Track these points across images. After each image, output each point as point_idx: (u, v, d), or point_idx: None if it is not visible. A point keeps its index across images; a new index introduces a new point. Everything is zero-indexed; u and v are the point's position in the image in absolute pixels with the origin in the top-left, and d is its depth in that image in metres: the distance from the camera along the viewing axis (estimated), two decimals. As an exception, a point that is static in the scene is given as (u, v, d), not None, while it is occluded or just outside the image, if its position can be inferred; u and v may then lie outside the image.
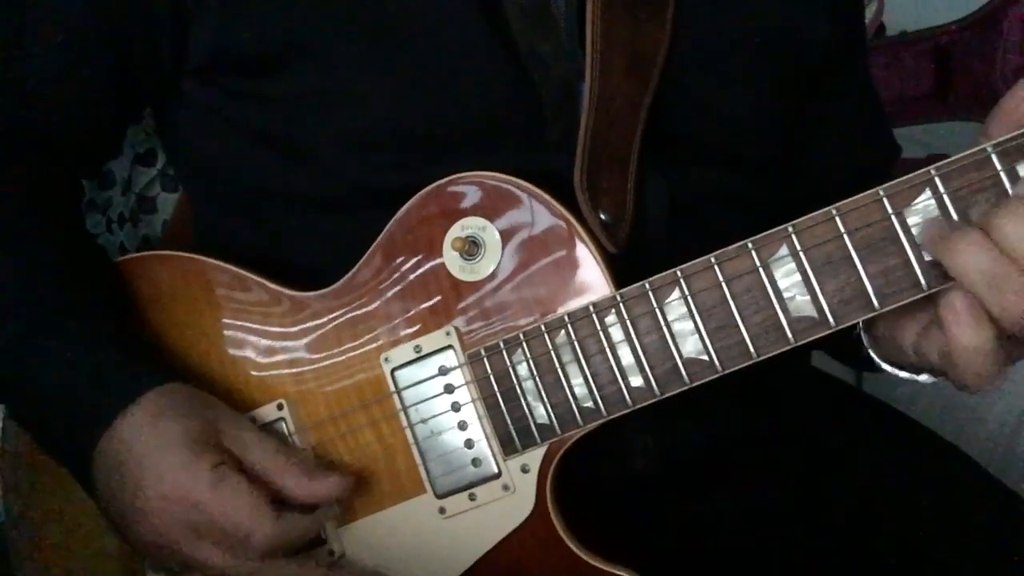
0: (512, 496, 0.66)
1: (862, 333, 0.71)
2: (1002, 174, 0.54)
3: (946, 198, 0.55)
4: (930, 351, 0.60)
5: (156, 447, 0.64)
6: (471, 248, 0.67)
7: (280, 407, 0.72)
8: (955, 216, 0.55)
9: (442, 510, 0.68)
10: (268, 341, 0.73)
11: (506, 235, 0.66)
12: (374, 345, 0.70)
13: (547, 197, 0.66)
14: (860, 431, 0.86)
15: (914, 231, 0.56)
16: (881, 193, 0.57)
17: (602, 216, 0.67)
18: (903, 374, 0.71)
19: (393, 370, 0.69)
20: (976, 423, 1.55)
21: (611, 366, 0.63)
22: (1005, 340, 0.55)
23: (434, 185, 0.68)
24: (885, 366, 0.71)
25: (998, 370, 0.56)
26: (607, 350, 0.63)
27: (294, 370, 0.72)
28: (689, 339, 0.61)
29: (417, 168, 0.69)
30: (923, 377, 0.71)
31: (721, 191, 0.77)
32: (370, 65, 0.69)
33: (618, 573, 0.65)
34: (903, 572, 0.74)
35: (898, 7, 1.74)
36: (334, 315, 0.71)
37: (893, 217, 0.57)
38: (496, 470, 0.67)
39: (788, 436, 0.83)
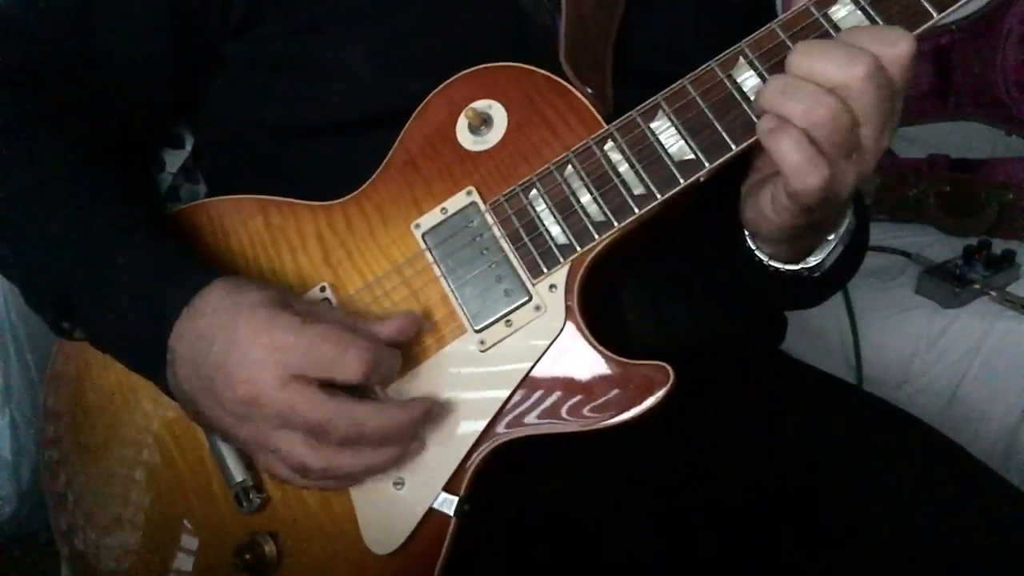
0: (544, 315, 0.74)
1: (749, 240, 0.83)
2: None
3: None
4: (777, 193, 0.71)
5: (240, 309, 0.69)
6: (481, 124, 0.78)
7: (323, 289, 0.79)
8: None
9: (482, 343, 0.75)
10: (308, 245, 0.82)
11: (510, 107, 0.78)
12: (404, 218, 0.79)
13: (542, 71, 0.78)
14: (860, 431, 0.88)
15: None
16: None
17: (588, 89, 0.80)
18: (789, 267, 0.83)
19: (424, 234, 0.78)
20: (976, 423, 1.55)
21: (614, 182, 0.73)
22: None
23: (443, 85, 0.80)
24: (774, 263, 0.83)
25: (818, 162, 0.66)
26: (608, 171, 0.74)
27: (334, 259, 0.80)
28: (675, 145, 0.72)
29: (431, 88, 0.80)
30: (810, 261, 0.82)
31: None
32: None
33: (649, 363, 0.72)
34: (905, 571, 0.76)
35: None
36: (365, 208, 0.81)
37: (821, 19, 0.71)
38: (527, 295, 0.75)
39: (788, 436, 0.87)
